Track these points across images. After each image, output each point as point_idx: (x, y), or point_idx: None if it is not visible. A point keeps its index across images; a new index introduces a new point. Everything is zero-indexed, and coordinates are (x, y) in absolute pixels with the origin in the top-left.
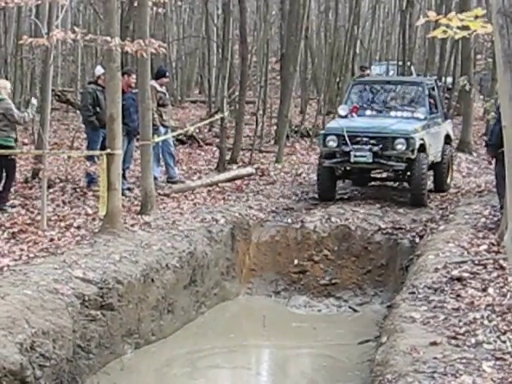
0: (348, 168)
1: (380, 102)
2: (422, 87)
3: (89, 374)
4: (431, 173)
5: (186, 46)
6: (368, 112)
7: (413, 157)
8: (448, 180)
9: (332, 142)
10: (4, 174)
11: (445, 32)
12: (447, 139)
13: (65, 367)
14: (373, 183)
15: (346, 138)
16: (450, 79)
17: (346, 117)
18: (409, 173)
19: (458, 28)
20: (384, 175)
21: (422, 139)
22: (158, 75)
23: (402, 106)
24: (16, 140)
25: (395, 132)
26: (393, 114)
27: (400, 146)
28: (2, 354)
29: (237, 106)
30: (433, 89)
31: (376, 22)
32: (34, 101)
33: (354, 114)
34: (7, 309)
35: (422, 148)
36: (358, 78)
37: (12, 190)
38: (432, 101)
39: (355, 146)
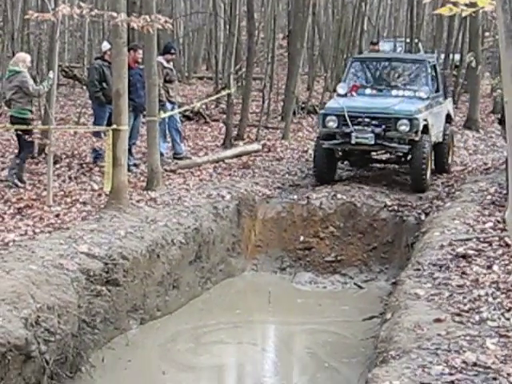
0: (347, 149)
1: (381, 81)
2: (425, 65)
3: (94, 349)
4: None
5: (193, 22)
6: (368, 91)
7: (416, 138)
8: (449, 160)
9: (332, 123)
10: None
11: (451, 9)
12: (448, 118)
13: (70, 342)
14: (373, 165)
15: (347, 119)
16: (457, 56)
17: (345, 95)
18: (410, 156)
19: (466, 5)
20: (384, 157)
21: (426, 120)
22: (165, 51)
23: (403, 84)
24: (32, 112)
25: (398, 112)
26: (394, 93)
27: (403, 127)
28: (7, 328)
29: (244, 82)
30: (434, 66)
31: None
32: (50, 74)
33: (353, 93)
34: (12, 284)
35: (425, 129)
36: (369, 53)
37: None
38: (434, 79)
39: (356, 127)
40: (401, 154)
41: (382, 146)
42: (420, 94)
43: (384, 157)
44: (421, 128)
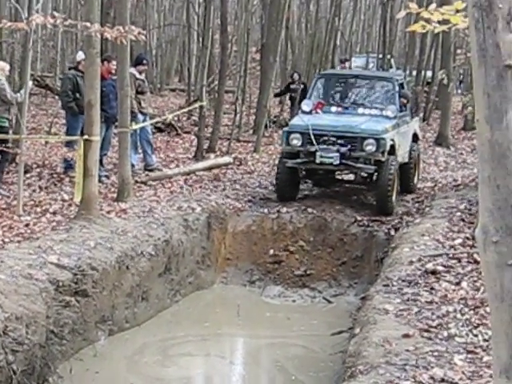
0: (311, 168)
1: (347, 98)
2: (392, 83)
3: (61, 359)
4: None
5: (167, 34)
6: (334, 108)
7: (383, 159)
8: (415, 180)
9: (296, 141)
10: None
11: (424, 26)
12: (414, 138)
13: (37, 353)
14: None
15: (312, 137)
16: (429, 73)
17: (310, 113)
18: (376, 176)
19: (438, 22)
20: (349, 177)
21: (393, 140)
22: (137, 62)
23: (370, 102)
24: (10, 120)
25: (365, 132)
26: (361, 111)
27: (370, 147)
28: None
29: (216, 95)
30: (402, 85)
31: (357, 14)
32: (29, 83)
33: (318, 111)
34: None
35: (392, 149)
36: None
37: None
38: (401, 98)
39: (321, 146)
40: (366, 175)
41: (347, 165)
42: (387, 112)
43: (348, 177)
44: (387, 148)
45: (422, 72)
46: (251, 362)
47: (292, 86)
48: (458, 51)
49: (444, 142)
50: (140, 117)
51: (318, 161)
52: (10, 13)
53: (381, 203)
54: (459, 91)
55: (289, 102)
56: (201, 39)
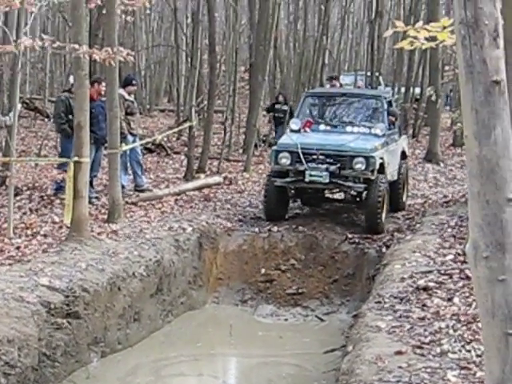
0: (300, 187)
1: (335, 117)
2: (381, 101)
3: (54, 382)
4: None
5: (155, 55)
6: (322, 127)
7: (372, 177)
8: (404, 198)
9: (285, 160)
10: None
11: (412, 43)
12: (403, 155)
13: (30, 375)
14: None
15: (301, 156)
16: (418, 90)
17: (298, 131)
18: (365, 195)
19: (426, 39)
20: (338, 196)
21: (382, 158)
22: (126, 83)
23: (359, 120)
24: None
25: (354, 150)
26: (349, 129)
27: (359, 165)
28: None
29: (205, 114)
30: (390, 102)
31: (345, 33)
32: (18, 106)
33: (307, 129)
34: None
35: (381, 167)
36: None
37: None
38: (390, 115)
39: (310, 165)
40: (355, 194)
41: (336, 184)
42: (376, 130)
43: (338, 195)
44: (377, 166)
45: (411, 89)
46: (244, 382)
47: (276, 106)
48: (446, 68)
49: (434, 159)
50: (130, 138)
51: (307, 179)
52: None
53: (370, 222)
54: (447, 107)
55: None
56: (189, 59)
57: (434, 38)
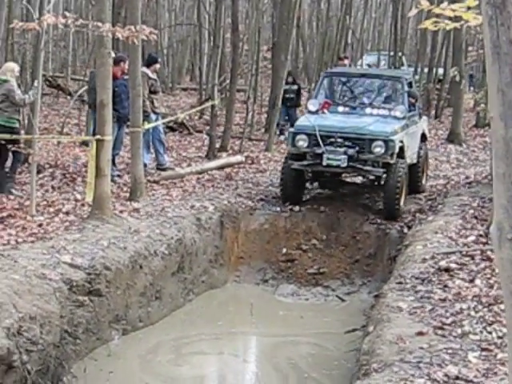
0: (318, 171)
1: (354, 98)
2: (401, 82)
3: (75, 359)
4: None
5: (178, 34)
6: (341, 108)
7: (392, 162)
8: (423, 181)
9: (302, 142)
10: (10, 157)
11: (436, 23)
12: (423, 138)
13: (52, 352)
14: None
15: (319, 139)
16: (441, 70)
17: (316, 113)
18: (384, 180)
19: (450, 19)
20: (356, 179)
21: (402, 141)
22: (150, 62)
23: (378, 102)
24: (19, 121)
25: (373, 133)
26: (368, 111)
27: (378, 149)
28: None
29: (227, 93)
30: (410, 84)
31: (368, 12)
32: (35, 83)
33: (325, 111)
34: None
35: (401, 151)
36: (333, 69)
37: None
38: (410, 97)
39: (328, 148)
40: (374, 178)
41: (354, 168)
42: (396, 113)
43: (356, 179)
44: (396, 150)
45: (434, 69)
46: (264, 361)
47: (285, 87)
48: (470, 48)
49: (456, 139)
50: (153, 116)
51: (324, 163)
52: (22, 13)
53: (388, 207)
54: (471, 88)
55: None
56: (212, 38)
57: (458, 19)
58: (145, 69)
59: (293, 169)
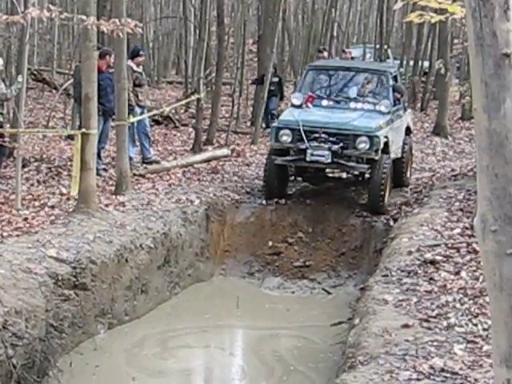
0: (300, 166)
1: (339, 92)
2: (386, 76)
3: (61, 353)
4: None
5: (163, 27)
6: (325, 102)
7: (376, 158)
8: (408, 174)
9: (285, 137)
10: None
11: (421, 16)
12: (407, 131)
13: (37, 346)
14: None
15: (303, 134)
16: (426, 63)
17: (300, 107)
18: (368, 175)
19: (435, 11)
20: (340, 174)
21: (386, 137)
22: (133, 54)
23: (363, 96)
24: (2, 115)
25: (357, 129)
26: (353, 105)
27: (363, 144)
28: None
29: (213, 87)
30: (396, 78)
31: (353, 5)
32: (19, 78)
33: (309, 105)
34: None
35: (386, 146)
36: (315, 62)
37: None
38: (395, 92)
39: (312, 144)
40: (358, 173)
41: (339, 164)
42: (380, 107)
43: (340, 174)
44: (381, 146)
45: (419, 62)
46: (251, 354)
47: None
48: (455, 41)
49: (442, 132)
50: (137, 109)
51: (308, 159)
52: (7, 7)
53: (373, 202)
54: (457, 81)
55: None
56: (197, 31)
57: (443, 11)
58: (129, 62)
59: (276, 164)
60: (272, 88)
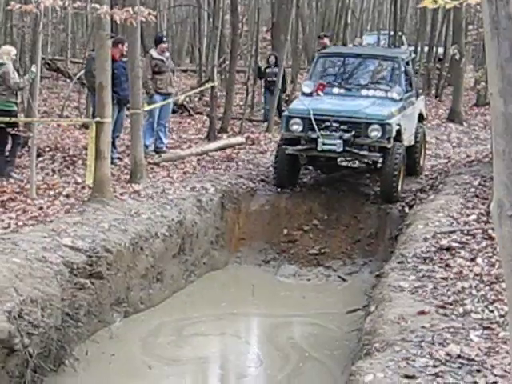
0: (312, 155)
1: (350, 79)
2: (398, 62)
3: (77, 342)
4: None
5: (177, 15)
6: (336, 90)
7: (389, 146)
8: (421, 163)
9: (296, 126)
10: (10, 141)
11: (435, 1)
12: (420, 118)
13: (53, 335)
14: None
15: (313, 123)
16: (441, 49)
17: (310, 95)
18: (381, 164)
19: None
20: (352, 163)
21: (399, 124)
22: (156, 42)
23: (374, 83)
24: (17, 104)
25: (369, 116)
26: (364, 92)
27: (375, 132)
28: None
29: (227, 75)
30: (407, 63)
31: None
32: (33, 68)
33: (320, 92)
34: None
35: (398, 134)
36: (319, 49)
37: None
38: (407, 77)
39: (323, 133)
40: (370, 162)
41: (351, 153)
42: (392, 94)
43: (352, 163)
44: (393, 134)
45: (434, 48)
46: (266, 341)
47: (268, 70)
48: (470, 27)
49: (457, 118)
50: (157, 97)
51: (319, 148)
52: None
53: (386, 191)
54: (471, 66)
55: (299, 81)
56: (211, 19)
57: None
58: (153, 49)
59: (287, 153)
60: (274, 79)
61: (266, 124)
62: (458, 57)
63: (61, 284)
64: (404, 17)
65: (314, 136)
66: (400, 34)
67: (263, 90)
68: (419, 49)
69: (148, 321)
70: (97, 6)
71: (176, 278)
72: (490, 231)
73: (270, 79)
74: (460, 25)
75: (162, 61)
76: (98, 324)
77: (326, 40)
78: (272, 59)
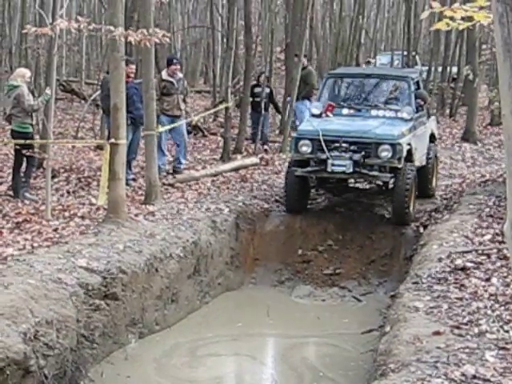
0: (322, 177)
1: (359, 99)
2: (408, 82)
3: (93, 363)
4: None
5: (191, 36)
6: (345, 111)
7: (399, 166)
8: (433, 184)
9: (305, 148)
10: (24, 163)
11: (448, 24)
12: (431, 138)
13: (68, 356)
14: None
15: (323, 144)
16: (455, 69)
17: (320, 116)
18: (392, 185)
19: (462, 19)
20: (363, 185)
21: (409, 144)
22: (167, 64)
23: (384, 103)
24: (32, 126)
25: (379, 137)
26: (374, 113)
27: (385, 153)
28: (6, 343)
29: (241, 95)
30: (418, 83)
31: (381, 12)
32: (47, 90)
33: (329, 113)
34: (11, 298)
35: (409, 154)
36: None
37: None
38: (418, 98)
39: (333, 154)
40: (381, 183)
41: (361, 174)
42: (403, 114)
43: (363, 185)
44: (404, 154)
45: (448, 68)
46: (281, 362)
47: (256, 90)
48: (484, 46)
49: (471, 138)
50: (164, 118)
51: (329, 169)
52: (35, 18)
53: (397, 213)
54: (485, 86)
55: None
56: (225, 40)
57: (470, 18)
58: (164, 71)
59: (297, 176)
60: (261, 100)
61: (253, 145)
62: (471, 77)
63: (76, 305)
64: (417, 37)
65: (323, 157)
66: (414, 53)
67: (251, 110)
68: (433, 68)
69: (163, 342)
70: (111, 27)
71: (191, 298)
72: (504, 251)
73: (257, 99)
74: (474, 44)
75: (172, 83)
76: (113, 345)
77: (304, 59)
78: (262, 78)
